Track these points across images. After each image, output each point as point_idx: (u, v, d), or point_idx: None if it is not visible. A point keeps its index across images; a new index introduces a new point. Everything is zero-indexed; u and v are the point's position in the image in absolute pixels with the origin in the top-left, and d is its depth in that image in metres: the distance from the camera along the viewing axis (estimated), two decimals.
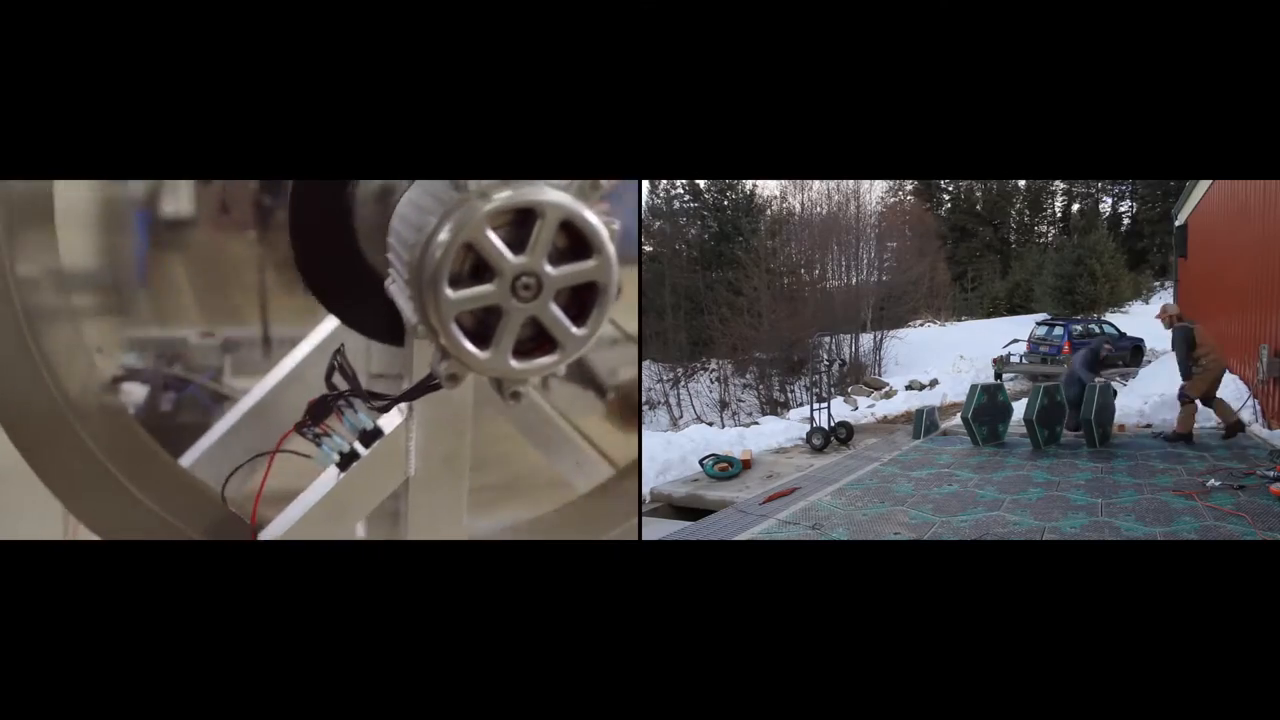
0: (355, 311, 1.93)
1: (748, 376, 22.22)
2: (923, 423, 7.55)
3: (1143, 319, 20.10)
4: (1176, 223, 13.96)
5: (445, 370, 1.58)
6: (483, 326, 1.54)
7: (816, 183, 23.97)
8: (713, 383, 22.72)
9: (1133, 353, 15.09)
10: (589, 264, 1.54)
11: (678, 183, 24.47)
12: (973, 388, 6.87)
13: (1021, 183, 30.90)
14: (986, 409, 6.63)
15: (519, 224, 1.51)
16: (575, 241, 1.54)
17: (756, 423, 12.02)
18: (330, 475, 1.91)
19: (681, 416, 20.71)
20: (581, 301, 1.57)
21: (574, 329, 1.56)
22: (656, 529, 5.04)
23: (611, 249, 1.55)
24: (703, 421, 17.15)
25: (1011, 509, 4.28)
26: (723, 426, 12.62)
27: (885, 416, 11.48)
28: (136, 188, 3.27)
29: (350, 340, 1.95)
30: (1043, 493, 4.65)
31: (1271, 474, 4.73)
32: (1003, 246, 31.80)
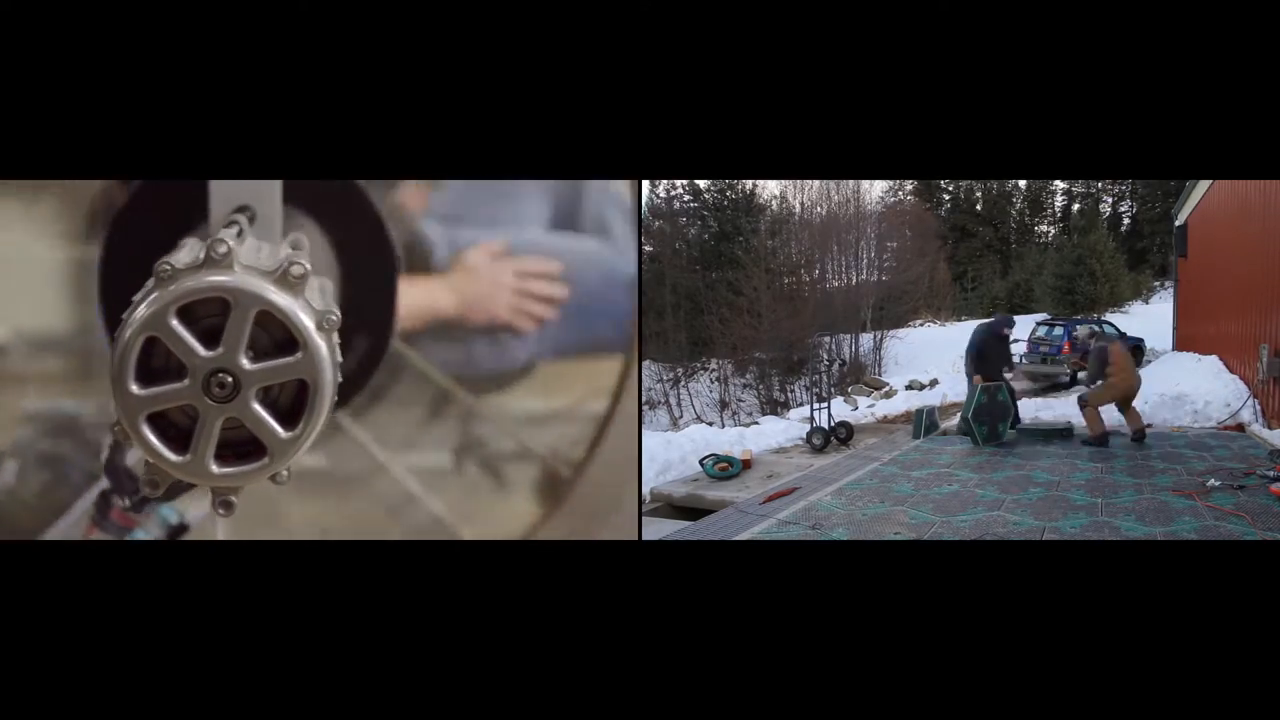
0: None
1: (748, 376, 22.21)
2: (923, 423, 7.55)
3: (1143, 319, 20.12)
4: (1176, 223, 13.96)
5: (145, 477, 1.46)
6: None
7: (816, 182, 23.97)
8: (713, 383, 22.71)
9: (1133, 353, 15.08)
10: (291, 359, 1.42)
11: (678, 183, 24.48)
12: (972, 387, 6.87)
13: (1021, 183, 30.91)
14: (986, 409, 6.64)
15: (225, 314, 1.40)
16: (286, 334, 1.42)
17: (756, 423, 12.01)
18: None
19: (681, 416, 20.70)
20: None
21: (280, 431, 1.44)
22: (656, 529, 5.04)
23: (319, 342, 1.43)
24: (703, 421, 17.14)
25: (1011, 509, 4.28)
26: (723, 426, 12.61)
27: (885, 416, 11.47)
28: None
29: None
30: (1043, 493, 4.64)
31: (1271, 474, 4.73)
32: (1003, 246, 31.80)
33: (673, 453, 7.16)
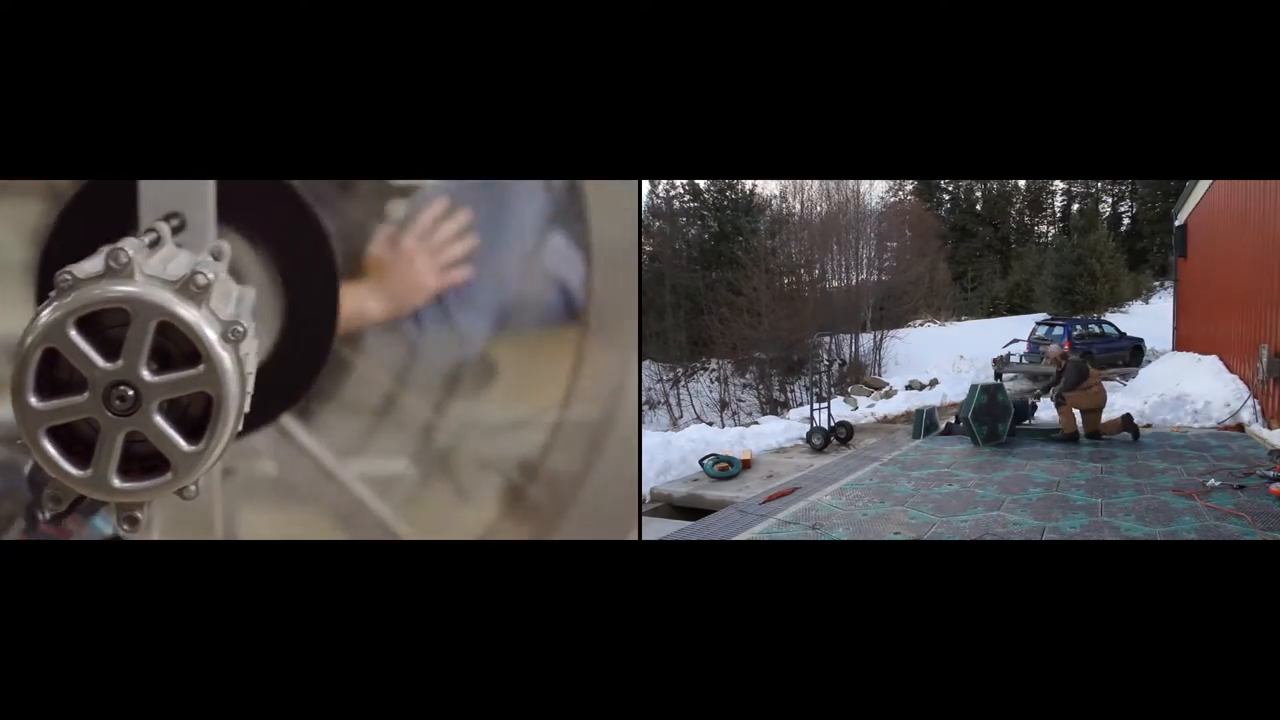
0: None
1: (748, 376, 22.20)
2: (923, 423, 7.55)
3: (1143, 319, 20.11)
4: (1176, 223, 13.95)
5: (48, 493, 1.43)
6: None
7: (816, 182, 23.96)
8: (713, 383, 22.69)
9: (1132, 353, 15.08)
10: (194, 372, 1.39)
11: (678, 183, 24.46)
12: (973, 388, 6.88)
13: (1021, 183, 30.90)
14: (986, 409, 6.64)
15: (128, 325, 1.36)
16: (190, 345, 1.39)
17: (756, 422, 12.01)
18: None
19: (681, 416, 20.68)
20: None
21: (184, 445, 1.40)
22: (656, 529, 5.04)
23: (221, 354, 1.40)
24: (703, 421, 17.13)
25: (1011, 509, 4.28)
26: (723, 426, 12.61)
27: (885, 416, 11.47)
28: None
29: None
30: (1043, 493, 4.65)
31: (1271, 474, 4.73)
32: (1003, 246, 31.78)
33: (672, 453, 7.16)
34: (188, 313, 1.38)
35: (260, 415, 1.84)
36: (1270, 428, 6.68)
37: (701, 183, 24.46)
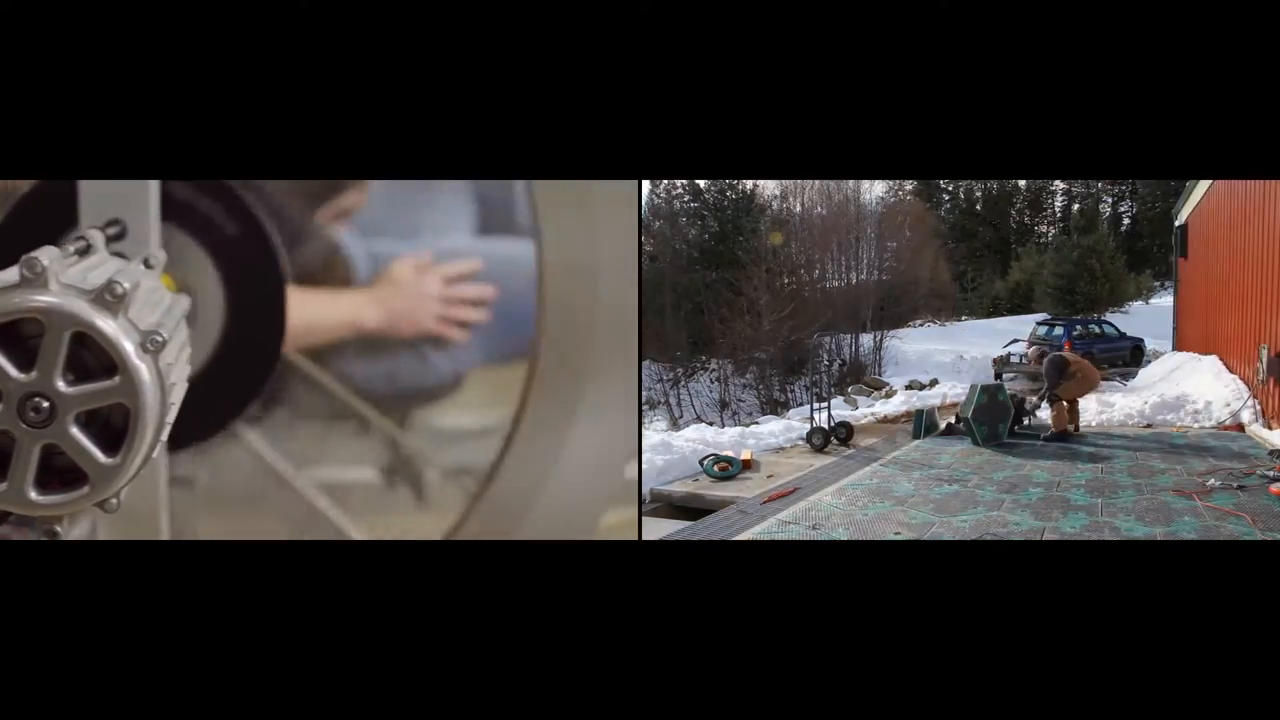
0: None
1: (748, 376, 22.20)
2: (923, 423, 7.55)
3: (1143, 319, 20.11)
4: (1176, 223, 13.95)
5: None
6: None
7: (816, 182, 23.95)
8: (713, 383, 22.69)
9: (1132, 353, 15.09)
10: (109, 383, 1.36)
11: (678, 183, 24.45)
12: (972, 387, 6.89)
13: (1021, 183, 30.90)
14: (987, 409, 6.65)
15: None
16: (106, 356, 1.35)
17: (756, 423, 12.00)
18: None
19: (681, 416, 20.68)
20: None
21: (101, 457, 1.38)
22: (656, 529, 5.03)
23: (138, 364, 1.36)
24: (703, 421, 17.13)
25: (1011, 509, 4.28)
26: (723, 426, 12.60)
27: (885, 416, 11.47)
28: None
29: None
30: (1043, 493, 4.65)
31: (1271, 474, 4.73)
32: (1003, 246, 31.78)
33: (673, 453, 7.15)
34: (103, 323, 1.35)
35: (210, 422, 1.85)
36: (1270, 428, 6.68)
37: (701, 183, 24.46)
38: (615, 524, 2.20)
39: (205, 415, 1.86)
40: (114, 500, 1.42)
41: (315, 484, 2.01)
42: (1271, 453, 5.57)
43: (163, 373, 1.41)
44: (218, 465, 1.99)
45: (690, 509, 5.93)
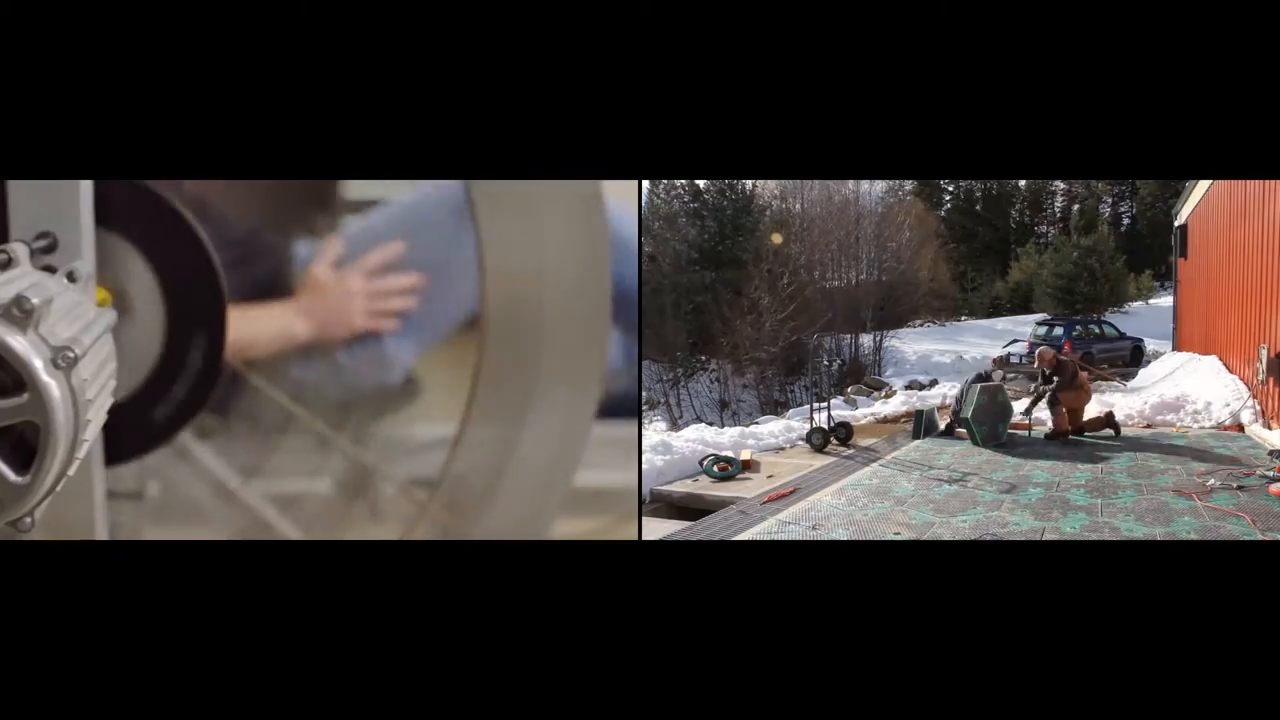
0: None
1: (748, 377, 22.19)
2: (923, 423, 7.55)
3: (1143, 319, 20.11)
4: (1176, 223, 13.95)
5: None
6: None
7: (816, 182, 23.94)
8: (713, 383, 22.68)
9: (1133, 353, 15.08)
10: (16, 400, 1.33)
11: (678, 183, 24.44)
12: (971, 388, 6.90)
13: (1021, 183, 30.89)
14: (986, 409, 6.65)
15: None
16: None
17: (756, 423, 12.00)
18: None
19: (681, 416, 20.67)
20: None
21: (12, 476, 1.35)
22: (656, 529, 5.03)
23: (47, 381, 1.33)
24: (703, 421, 17.12)
25: (1011, 509, 4.28)
26: (723, 427, 12.60)
27: (885, 417, 11.46)
28: None
29: None
30: (1043, 493, 4.64)
31: (1271, 474, 4.73)
32: (1003, 246, 31.76)
33: (672, 453, 7.15)
34: (11, 339, 1.32)
35: (155, 435, 1.83)
36: (1270, 428, 6.68)
37: (701, 183, 24.45)
38: (565, 535, 2.15)
39: (146, 428, 1.84)
40: (28, 519, 1.39)
41: (263, 495, 1.98)
42: (1271, 453, 5.56)
43: (76, 389, 1.38)
44: (159, 477, 1.96)
45: (690, 509, 5.92)
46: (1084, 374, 7.18)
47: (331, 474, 2.12)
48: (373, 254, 1.98)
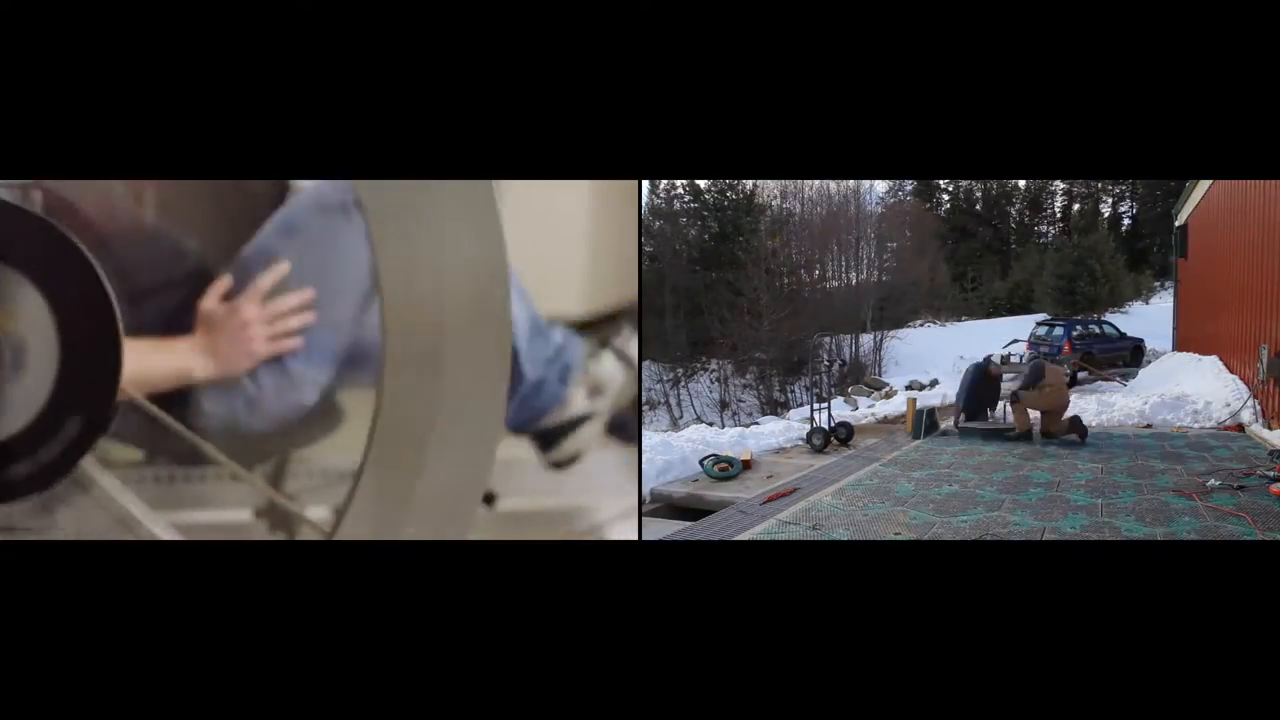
0: None
1: (748, 377, 22.21)
2: (923, 423, 7.56)
3: (1143, 319, 20.11)
4: (1176, 223, 13.95)
5: None
6: None
7: (816, 182, 23.97)
8: (713, 383, 22.70)
9: (1133, 353, 15.08)
10: None
11: (678, 183, 24.45)
12: (967, 371, 7.34)
13: (1021, 183, 30.89)
14: (974, 389, 7.18)
15: None
16: None
17: (756, 423, 12.01)
18: None
19: (681, 416, 20.69)
20: None
21: None
22: (656, 529, 5.03)
23: None
24: (703, 421, 17.13)
25: (1011, 509, 4.28)
26: (723, 427, 12.60)
27: (885, 416, 11.47)
28: None
29: None
30: (1043, 493, 4.65)
31: (1271, 474, 4.73)
32: (1003, 246, 31.77)
33: (673, 453, 7.15)
34: None
35: (57, 466, 1.80)
36: (1270, 428, 6.68)
37: (701, 183, 24.46)
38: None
39: (39, 464, 1.81)
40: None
41: (170, 525, 1.92)
42: (1271, 453, 5.57)
43: None
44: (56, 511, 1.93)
45: (690, 509, 5.92)
46: (1062, 380, 7.14)
47: (246, 505, 2.10)
48: (262, 278, 1.94)
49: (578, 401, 2.15)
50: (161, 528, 1.87)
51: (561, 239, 2.67)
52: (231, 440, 1.95)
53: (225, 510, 2.13)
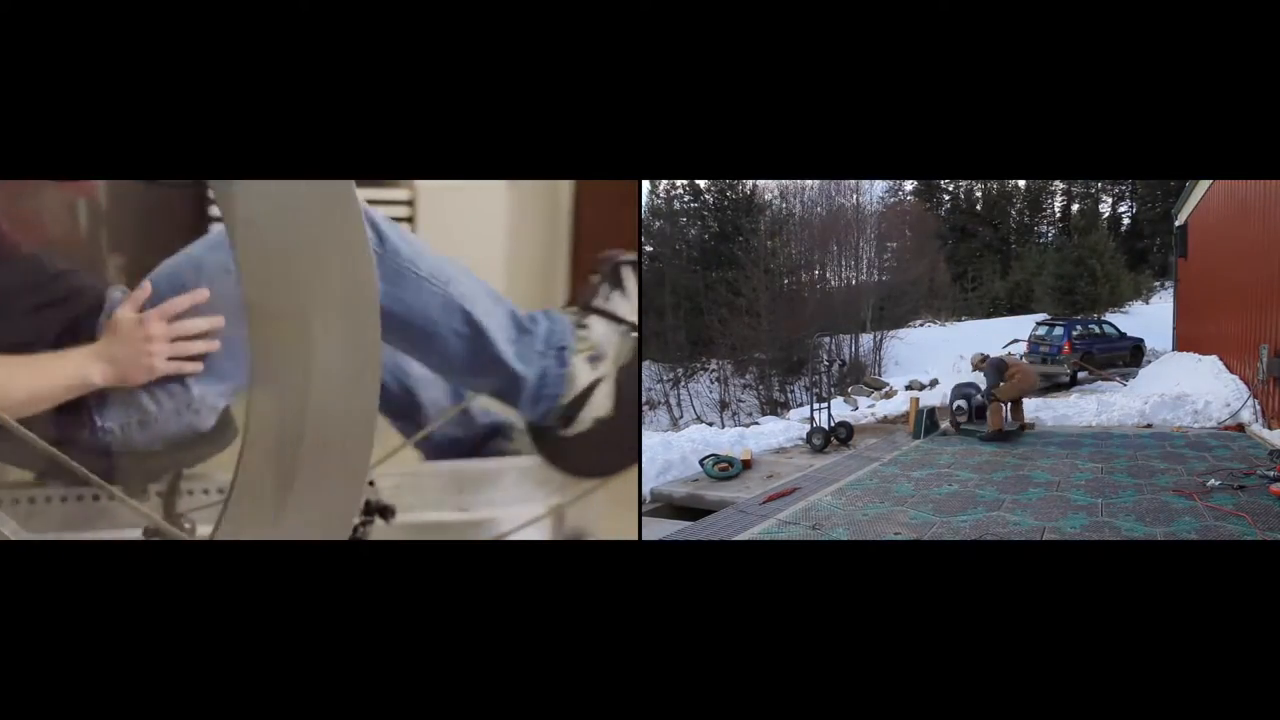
0: None
1: (748, 377, 22.22)
2: (923, 423, 7.56)
3: (1143, 319, 20.11)
4: (1176, 223, 13.95)
5: None
6: None
7: (816, 182, 23.97)
8: (713, 383, 22.71)
9: (1133, 353, 15.08)
10: None
11: (678, 183, 24.46)
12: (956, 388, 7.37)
13: (1021, 183, 30.88)
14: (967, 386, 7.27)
15: None
16: None
17: (756, 423, 12.01)
18: None
19: (681, 416, 20.70)
20: None
21: None
22: (656, 529, 5.03)
23: None
24: (703, 421, 17.14)
25: (1011, 509, 4.28)
26: (723, 427, 12.61)
27: (885, 416, 11.47)
28: None
29: None
30: (1043, 493, 4.65)
31: (1271, 474, 4.73)
32: (1003, 246, 31.76)
33: (673, 453, 7.15)
34: None
35: None
36: (1270, 428, 6.69)
37: (701, 183, 24.47)
38: None
39: None
40: None
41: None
42: (1271, 453, 5.57)
43: None
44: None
45: (690, 509, 5.93)
46: (1017, 364, 7.44)
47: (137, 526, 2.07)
48: (176, 299, 1.90)
49: (582, 373, 2.14)
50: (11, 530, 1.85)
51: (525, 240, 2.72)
52: (126, 459, 1.93)
53: (118, 531, 2.09)
